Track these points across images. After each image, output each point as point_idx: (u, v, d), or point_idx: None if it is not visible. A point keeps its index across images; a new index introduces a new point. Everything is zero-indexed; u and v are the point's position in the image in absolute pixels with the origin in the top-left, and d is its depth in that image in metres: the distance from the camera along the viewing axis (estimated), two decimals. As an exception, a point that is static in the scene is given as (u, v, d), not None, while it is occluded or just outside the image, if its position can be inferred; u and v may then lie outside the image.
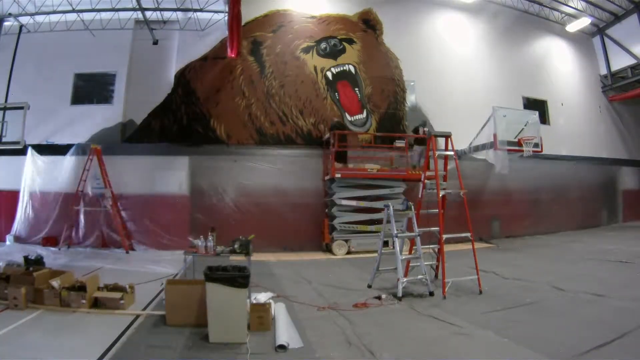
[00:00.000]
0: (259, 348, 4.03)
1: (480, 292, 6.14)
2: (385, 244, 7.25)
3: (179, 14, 12.10)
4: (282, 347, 3.97)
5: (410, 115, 12.82)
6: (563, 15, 15.85)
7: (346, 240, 10.75)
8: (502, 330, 4.44)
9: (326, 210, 11.23)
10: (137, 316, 5.01)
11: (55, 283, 5.24)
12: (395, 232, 6.34)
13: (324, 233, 11.08)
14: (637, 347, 3.88)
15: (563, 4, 15.21)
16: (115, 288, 5.50)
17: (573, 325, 4.58)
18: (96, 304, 5.24)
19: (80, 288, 5.24)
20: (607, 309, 5.15)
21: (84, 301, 5.15)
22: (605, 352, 3.78)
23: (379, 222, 10.57)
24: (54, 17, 12.08)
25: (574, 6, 15.33)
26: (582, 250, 10.49)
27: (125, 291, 5.41)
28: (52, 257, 9.08)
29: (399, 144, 11.84)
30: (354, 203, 10.90)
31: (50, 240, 10.75)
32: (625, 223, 16.51)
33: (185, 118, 11.50)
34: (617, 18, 15.81)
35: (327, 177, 11.22)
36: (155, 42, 12.02)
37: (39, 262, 6.40)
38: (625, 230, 14.52)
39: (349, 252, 10.68)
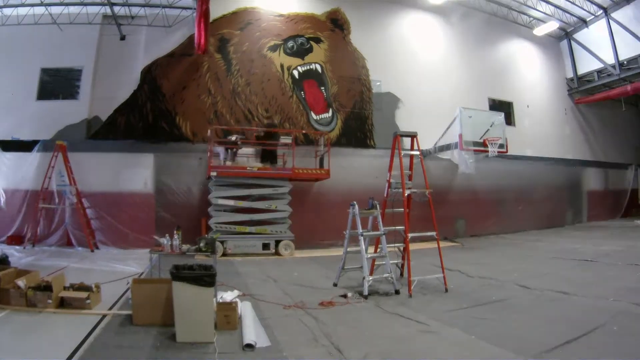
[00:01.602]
0: (227, 347, 3.98)
1: (446, 290, 6.17)
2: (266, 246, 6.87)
3: (147, 10, 12.01)
4: (249, 346, 3.94)
5: (376, 115, 12.96)
6: (531, 19, 16.09)
7: (222, 242, 9.94)
8: (469, 327, 4.47)
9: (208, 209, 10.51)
10: (104, 316, 4.95)
11: (21, 283, 5.15)
12: (361, 230, 6.31)
13: (201, 234, 9.91)
14: (602, 344, 3.91)
15: (531, 7, 15.44)
16: (81, 287, 5.41)
17: (539, 323, 4.60)
18: (62, 303, 5.17)
19: (46, 288, 5.16)
20: (572, 307, 5.18)
21: (50, 301, 5.07)
22: (571, 348, 3.79)
23: (260, 223, 10.34)
24: (22, 10, 11.84)
25: (542, 10, 15.57)
26: (547, 249, 10.57)
27: (91, 291, 5.35)
28: (17, 255, 8.91)
29: (285, 139, 11.08)
30: (231, 203, 10.30)
31: (15, 239, 10.56)
32: (589, 223, 16.91)
33: (151, 115, 11.41)
34: (585, 23, 16.16)
35: (207, 177, 10.60)
36: (123, 38, 11.88)
37: (4, 261, 6.25)
38: (589, 230, 14.78)
39: (224, 255, 9.85)
